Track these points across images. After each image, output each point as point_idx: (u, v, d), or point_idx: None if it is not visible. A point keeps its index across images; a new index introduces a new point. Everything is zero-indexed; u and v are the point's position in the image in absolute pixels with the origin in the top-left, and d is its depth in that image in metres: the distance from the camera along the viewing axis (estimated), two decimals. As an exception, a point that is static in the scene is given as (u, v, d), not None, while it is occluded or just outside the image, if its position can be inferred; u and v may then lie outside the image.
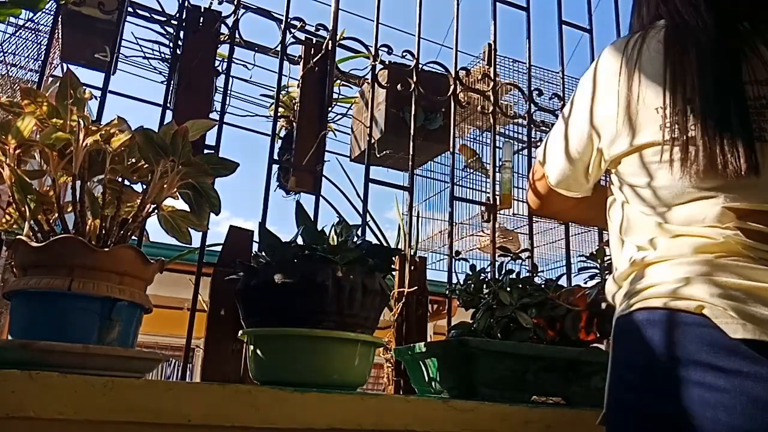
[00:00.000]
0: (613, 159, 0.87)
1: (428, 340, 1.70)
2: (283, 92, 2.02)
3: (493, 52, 2.07)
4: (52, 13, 1.67)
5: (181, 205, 1.11)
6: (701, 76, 0.77)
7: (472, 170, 3.17)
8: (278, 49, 1.72)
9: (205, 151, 1.51)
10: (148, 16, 1.66)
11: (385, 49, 1.81)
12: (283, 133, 2.13)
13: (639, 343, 0.76)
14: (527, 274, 1.38)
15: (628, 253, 0.86)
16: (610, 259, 1.32)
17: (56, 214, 1.03)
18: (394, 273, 1.58)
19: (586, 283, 1.36)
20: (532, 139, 2.08)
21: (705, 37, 0.80)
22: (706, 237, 0.76)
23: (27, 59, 2.08)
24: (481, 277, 1.35)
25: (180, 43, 1.62)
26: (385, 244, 1.84)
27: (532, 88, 2.06)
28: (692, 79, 0.77)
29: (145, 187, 1.07)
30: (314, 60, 1.76)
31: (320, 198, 1.62)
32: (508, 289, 1.28)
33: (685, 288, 0.73)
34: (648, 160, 0.81)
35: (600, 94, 0.88)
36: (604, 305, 1.26)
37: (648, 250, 0.82)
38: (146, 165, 1.05)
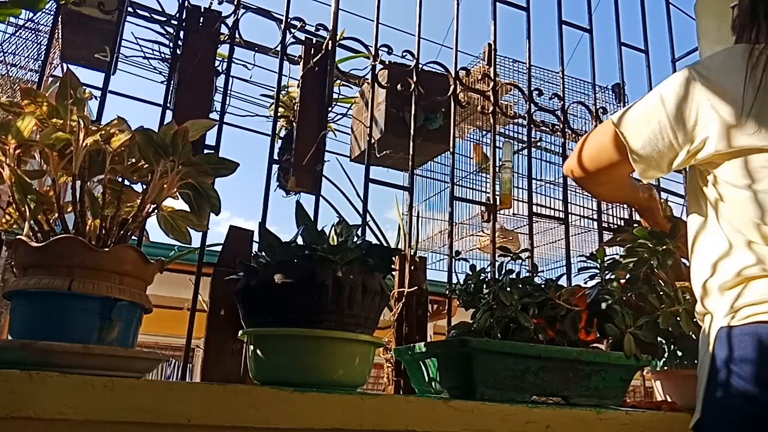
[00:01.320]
0: (722, 153, 0.88)
1: (428, 340, 1.70)
2: (283, 92, 2.02)
3: (493, 52, 2.06)
4: (52, 13, 1.67)
5: (181, 205, 1.11)
6: None
7: (483, 172, 3.17)
8: (278, 49, 1.72)
9: (205, 151, 1.51)
10: (148, 16, 1.66)
11: (385, 49, 1.81)
12: (283, 133, 2.13)
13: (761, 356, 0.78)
14: (527, 274, 1.38)
15: (736, 261, 0.87)
16: (611, 259, 1.33)
17: (56, 214, 1.03)
18: (394, 273, 1.58)
19: (586, 283, 1.36)
20: (532, 139, 2.08)
21: None
22: None
23: (27, 59, 2.08)
24: (481, 277, 1.35)
25: (180, 43, 1.62)
26: (385, 244, 1.84)
27: (532, 88, 2.06)
28: None
29: (145, 187, 1.06)
30: (314, 60, 1.75)
31: (320, 198, 1.62)
32: (508, 289, 1.27)
33: None
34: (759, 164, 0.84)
35: (721, 86, 0.89)
36: (604, 305, 1.26)
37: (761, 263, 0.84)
38: (146, 165, 1.05)
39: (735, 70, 0.89)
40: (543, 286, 1.30)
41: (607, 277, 1.30)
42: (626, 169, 1.04)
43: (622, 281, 1.30)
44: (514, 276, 1.32)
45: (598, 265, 1.32)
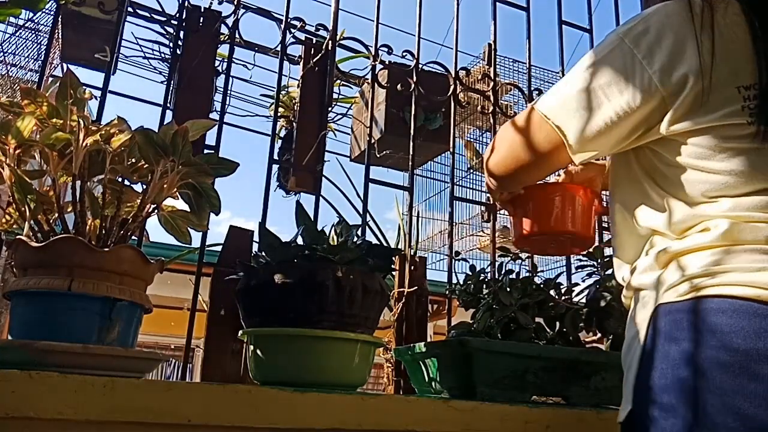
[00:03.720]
0: (678, 132, 0.79)
1: (428, 340, 1.70)
2: (283, 92, 2.01)
3: (493, 52, 2.07)
4: (52, 13, 1.67)
5: (181, 205, 1.11)
6: None
7: (473, 171, 3.17)
8: (278, 49, 1.72)
9: (205, 151, 1.51)
10: (148, 16, 1.66)
11: (385, 49, 1.81)
12: (283, 133, 2.13)
13: (715, 335, 0.70)
14: (527, 274, 1.38)
15: (668, 235, 0.81)
16: (609, 257, 1.33)
17: (56, 214, 1.03)
18: (394, 273, 1.58)
19: (584, 281, 1.36)
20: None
21: None
22: None
23: (27, 59, 2.08)
24: (481, 278, 1.35)
25: (180, 43, 1.62)
26: (385, 244, 1.84)
27: (532, 88, 2.06)
28: None
29: (145, 187, 1.07)
30: (314, 60, 1.75)
31: (320, 198, 1.62)
32: (508, 289, 1.28)
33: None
34: (722, 142, 0.77)
35: (668, 51, 0.79)
36: (603, 303, 1.26)
37: (708, 232, 0.77)
38: (146, 165, 1.05)
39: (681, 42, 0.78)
40: (542, 285, 1.30)
41: (607, 273, 1.30)
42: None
43: None
44: (513, 276, 1.33)
45: (596, 263, 1.32)
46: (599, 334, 1.33)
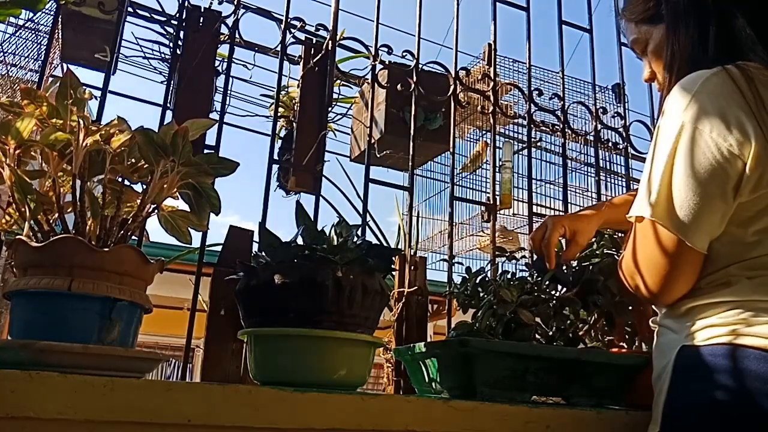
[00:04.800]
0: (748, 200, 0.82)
1: (428, 340, 1.70)
2: (283, 92, 2.02)
3: (493, 52, 2.07)
4: (52, 13, 1.67)
5: (181, 205, 1.11)
6: None
7: (466, 171, 3.18)
8: (278, 49, 1.72)
9: (205, 151, 1.51)
10: (148, 16, 1.66)
11: (385, 49, 1.81)
12: (283, 133, 2.13)
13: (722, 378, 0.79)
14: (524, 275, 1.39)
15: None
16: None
17: (56, 214, 1.03)
18: (394, 273, 1.58)
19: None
20: (532, 139, 2.09)
21: None
22: None
23: (27, 59, 2.08)
24: (479, 279, 1.35)
25: (180, 43, 1.62)
26: (385, 244, 1.84)
27: (532, 88, 2.06)
28: None
29: (145, 187, 1.06)
30: (314, 60, 1.76)
31: (320, 198, 1.62)
32: (508, 288, 1.28)
33: None
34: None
35: (726, 125, 0.80)
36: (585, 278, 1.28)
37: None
38: (146, 165, 1.05)
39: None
40: (537, 281, 1.31)
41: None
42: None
43: None
44: (510, 276, 1.33)
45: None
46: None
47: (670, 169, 0.83)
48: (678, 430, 0.84)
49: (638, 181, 0.99)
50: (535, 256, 1.34)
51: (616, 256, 1.32)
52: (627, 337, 1.35)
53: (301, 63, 1.77)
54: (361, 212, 1.68)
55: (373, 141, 1.84)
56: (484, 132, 3.22)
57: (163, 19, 1.67)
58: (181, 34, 1.62)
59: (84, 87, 1.08)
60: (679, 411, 0.84)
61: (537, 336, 1.26)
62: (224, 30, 1.66)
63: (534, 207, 2.04)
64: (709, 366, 0.80)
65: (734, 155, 0.79)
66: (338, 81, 2.21)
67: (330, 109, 1.83)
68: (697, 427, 0.81)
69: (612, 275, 1.26)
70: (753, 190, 0.80)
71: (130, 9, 1.61)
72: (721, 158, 0.79)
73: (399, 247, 1.85)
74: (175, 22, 1.64)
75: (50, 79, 1.71)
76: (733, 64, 0.83)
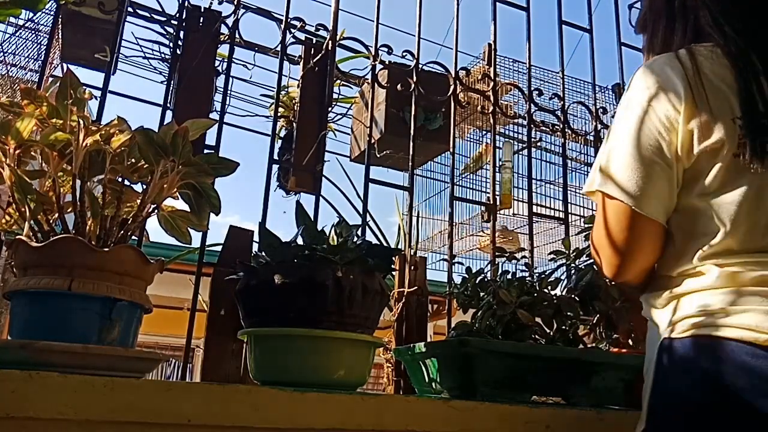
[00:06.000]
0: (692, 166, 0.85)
1: (428, 340, 1.70)
2: (283, 92, 2.02)
3: (493, 52, 2.07)
4: (52, 13, 1.67)
5: (181, 205, 1.11)
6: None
7: (469, 172, 3.18)
8: (278, 49, 1.72)
9: (205, 151, 1.51)
10: (148, 16, 1.66)
11: (385, 49, 1.81)
12: (283, 133, 2.13)
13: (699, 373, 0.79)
14: (524, 275, 1.39)
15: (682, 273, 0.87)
16: (577, 249, 1.36)
17: (56, 214, 1.03)
18: (394, 273, 1.58)
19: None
20: (532, 139, 2.08)
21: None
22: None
23: (27, 59, 2.08)
24: (479, 279, 1.36)
25: (180, 43, 1.62)
26: (385, 244, 1.84)
27: (532, 88, 2.06)
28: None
29: (145, 187, 1.06)
30: (314, 60, 1.76)
31: (320, 198, 1.62)
32: (507, 288, 1.28)
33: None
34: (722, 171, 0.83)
35: (668, 96, 0.87)
36: (584, 282, 1.29)
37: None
38: (146, 165, 1.05)
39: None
40: (536, 283, 1.31)
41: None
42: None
43: None
44: (510, 276, 1.33)
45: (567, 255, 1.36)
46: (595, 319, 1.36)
47: (616, 142, 0.89)
48: (660, 426, 0.84)
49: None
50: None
51: None
52: (633, 335, 1.35)
53: (301, 63, 1.77)
54: (361, 212, 1.68)
55: (373, 141, 1.84)
56: (484, 132, 3.22)
57: (163, 19, 1.67)
58: (181, 34, 1.62)
59: (84, 87, 1.08)
60: (659, 407, 0.84)
61: (537, 336, 1.26)
62: (224, 30, 1.66)
63: (534, 207, 2.04)
64: (687, 359, 0.80)
65: (669, 119, 0.85)
66: (338, 81, 2.21)
67: (330, 109, 1.83)
68: (677, 423, 0.81)
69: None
70: (690, 151, 0.84)
71: (130, 9, 1.61)
72: (659, 124, 0.85)
73: (399, 247, 1.85)
74: (175, 22, 1.64)
75: (50, 79, 1.71)
76: (684, 47, 0.91)
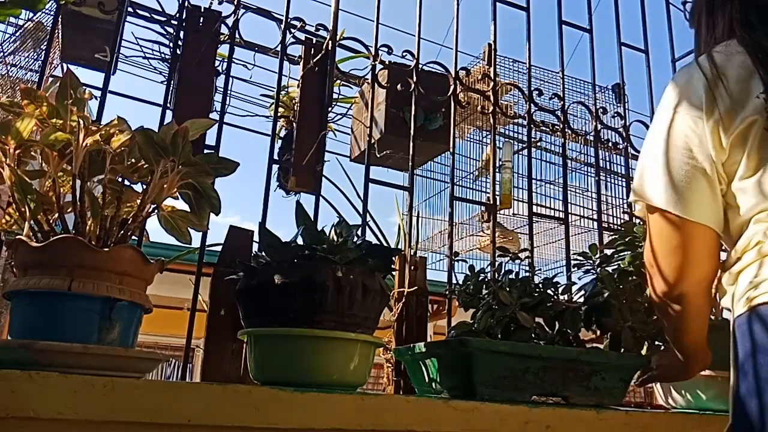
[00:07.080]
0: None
1: (428, 340, 1.70)
2: (283, 92, 2.01)
3: (493, 52, 2.07)
4: (52, 13, 1.67)
5: (181, 205, 1.11)
6: None
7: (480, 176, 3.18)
8: (278, 49, 1.72)
9: (205, 151, 1.51)
10: (148, 16, 1.66)
11: (385, 49, 1.81)
12: (283, 133, 2.13)
13: None
14: (526, 275, 1.39)
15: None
16: (605, 255, 1.34)
17: (56, 214, 1.03)
18: (394, 273, 1.58)
19: (580, 279, 1.37)
20: (532, 139, 2.08)
21: None
22: None
23: (27, 59, 2.08)
24: (480, 278, 1.35)
25: (180, 43, 1.62)
26: (385, 244, 1.84)
27: (532, 88, 2.06)
28: None
29: (145, 187, 1.06)
30: (314, 60, 1.75)
31: (320, 198, 1.62)
32: (507, 289, 1.28)
33: None
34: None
35: (691, 102, 0.90)
36: (600, 299, 1.26)
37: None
38: (146, 165, 1.05)
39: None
40: (541, 285, 1.30)
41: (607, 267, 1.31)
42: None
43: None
44: (512, 276, 1.33)
45: (593, 261, 1.33)
46: (598, 333, 1.33)
47: (647, 159, 0.92)
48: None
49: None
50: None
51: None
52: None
53: (301, 63, 1.77)
54: (361, 212, 1.68)
55: (373, 141, 1.84)
56: (484, 132, 3.22)
57: (163, 19, 1.67)
58: (181, 34, 1.62)
59: (84, 87, 1.08)
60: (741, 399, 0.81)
61: (537, 335, 1.26)
62: (224, 30, 1.66)
63: (534, 207, 2.04)
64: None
65: (695, 120, 0.88)
66: (338, 81, 2.21)
67: (330, 109, 1.83)
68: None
69: (630, 301, 1.25)
70: (720, 144, 0.86)
71: (130, 9, 1.61)
72: (686, 129, 0.88)
73: (399, 247, 1.84)
74: (175, 22, 1.64)
75: (50, 79, 1.71)
76: (705, 53, 0.94)
